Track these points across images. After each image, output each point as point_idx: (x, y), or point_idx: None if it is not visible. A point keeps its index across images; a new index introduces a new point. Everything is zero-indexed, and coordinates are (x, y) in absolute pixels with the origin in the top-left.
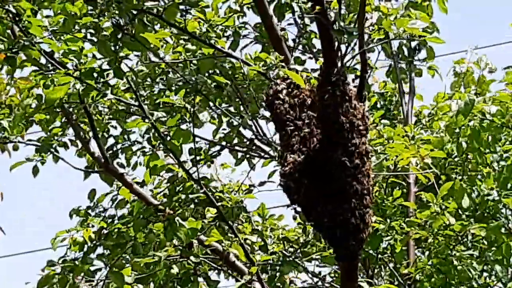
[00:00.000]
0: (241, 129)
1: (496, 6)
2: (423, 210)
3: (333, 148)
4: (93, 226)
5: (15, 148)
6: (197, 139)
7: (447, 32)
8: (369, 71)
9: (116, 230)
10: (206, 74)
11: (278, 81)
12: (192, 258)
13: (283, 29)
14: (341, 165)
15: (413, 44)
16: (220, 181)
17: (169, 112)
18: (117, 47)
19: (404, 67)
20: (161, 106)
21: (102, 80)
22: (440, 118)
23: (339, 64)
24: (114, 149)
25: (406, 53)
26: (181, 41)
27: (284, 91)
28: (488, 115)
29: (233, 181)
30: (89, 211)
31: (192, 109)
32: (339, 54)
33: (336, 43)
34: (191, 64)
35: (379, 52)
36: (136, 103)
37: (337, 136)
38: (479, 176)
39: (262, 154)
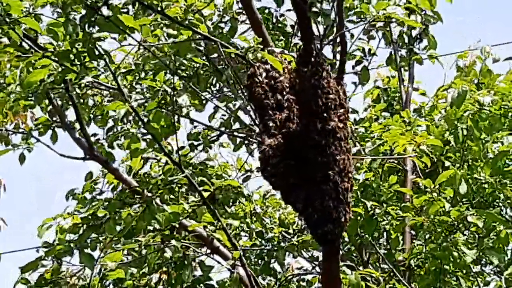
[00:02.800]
0: (240, 114)
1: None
2: (419, 195)
3: (311, 130)
4: (79, 212)
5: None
6: (195, 123)
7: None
8: (369, 58)
9: (92, 212)
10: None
11: (257, 64)
12: (173, 242)
13: (282, 15)
14: (318, 147)
15: (415, 33)
16: (217, 161)
17: (153, 96)
18: (91, 28)
19: (404, 54)
20: (144, 90)
21: (78, 62)
22: (437, 107)
23: (317, 46)
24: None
25: (406, 40)
26: (161, 25)
27: (263, 74)
28: (486, 106)
29: (231, 161)
30: (86, 193)
31: (172, 92)
32: (319, 35)
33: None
34: (170, 48)
35: (379, 40)
36: (115, 86)
37: (314, 118)
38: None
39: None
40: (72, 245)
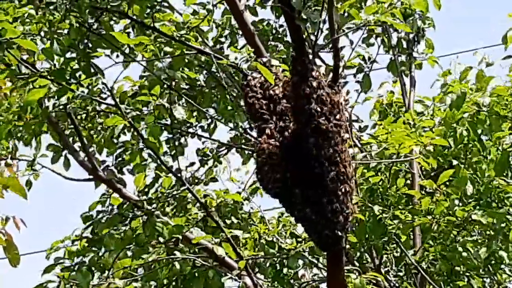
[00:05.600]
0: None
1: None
2: (424, 197)
3: (307, 136)
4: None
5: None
6: (203, 139)
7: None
8: (369, 65)
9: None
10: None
11: (253, 74)
12: (177, 253)
13: (281, 25)
14: (315, 152)
15: (412, 37)
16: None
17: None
18: (85, 45)
19: (404, 59)
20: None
21: (74, 80)
22: (439, 109)
23: (310, 53)
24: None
25: (405, 45)
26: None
27: (258, 84)
28: (484, 108)
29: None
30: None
31: (168, 106)
32: (311, 42)
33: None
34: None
35: (378, 47)
36: (113, 102)
37: (310, 124)
38: (482, 164)
39: None
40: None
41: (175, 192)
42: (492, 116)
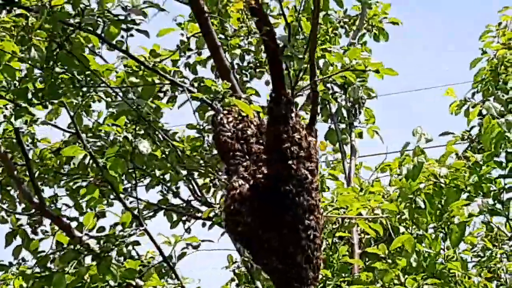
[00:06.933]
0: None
1: None
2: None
3: (281, 180)
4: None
5: None
6: (131, 199)
7: None
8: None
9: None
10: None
11: (224, 111)
12: None
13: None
14: (291, 198)
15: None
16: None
17: (113, 142)
18: (52, 63)
19: (343, 128)
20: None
21: (36, 101)
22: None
23: (289, 93)
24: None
25: (345, 114)
26: (123, 68)
27: (231, 123)
28: (442, 179)
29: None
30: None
31: (132, 139)
32: (290, 83)
33: (285, 71)
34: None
35: (318, 114)
36: (73, 130)
37: (285, 168)
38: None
39: (199, 215)
40: None
41: (132, 232)
42: (450, 188)
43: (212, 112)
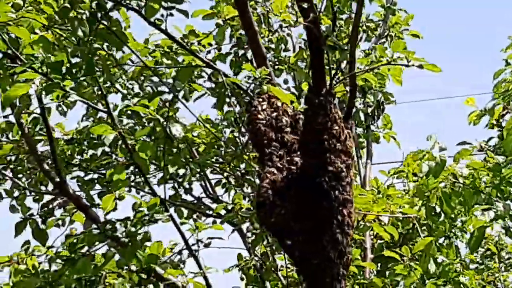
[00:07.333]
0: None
1: None
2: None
3: (318, 172)
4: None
5: None
6: (142, 193)
7: None
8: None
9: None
10: None
11: (259, 99)
12: (151, 287)
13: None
14: (326, 191)
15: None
16: None
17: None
18: (90, 39)
19: (360, 132)
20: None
21: (69, 77)
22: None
23: (328, 85)
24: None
25: (362, 118)
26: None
27: (266, 110)
28: (461, 178)
29: None
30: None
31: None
32: (330, 74)
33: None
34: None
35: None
36: (105, 109)
37: (322, 160)
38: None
39: (210, 212)
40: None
41: (159, 217)
42: (467, 189)
43: (247, 99)
